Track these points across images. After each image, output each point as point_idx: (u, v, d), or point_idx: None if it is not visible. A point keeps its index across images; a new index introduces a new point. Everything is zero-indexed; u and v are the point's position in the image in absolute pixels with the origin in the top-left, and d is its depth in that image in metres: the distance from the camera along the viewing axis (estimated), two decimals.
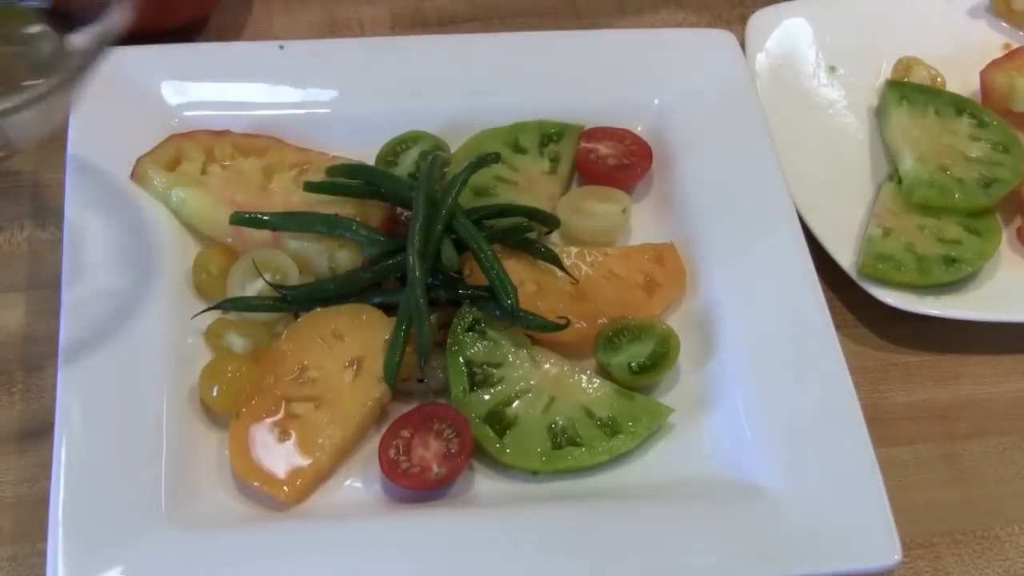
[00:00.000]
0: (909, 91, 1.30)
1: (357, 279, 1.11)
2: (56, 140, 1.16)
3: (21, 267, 1.18)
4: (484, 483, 1.06)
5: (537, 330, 1.10)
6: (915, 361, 1.19)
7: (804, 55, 1.34)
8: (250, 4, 1.39)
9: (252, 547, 1.00)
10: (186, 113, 1.21)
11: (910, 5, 1.40)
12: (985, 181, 1.23)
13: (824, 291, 1.18)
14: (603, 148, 1.23)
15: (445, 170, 1.17)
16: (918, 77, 1.32)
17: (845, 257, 1.19)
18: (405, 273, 1.08)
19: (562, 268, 1.13)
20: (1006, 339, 1.20)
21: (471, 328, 1.09)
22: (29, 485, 1.05)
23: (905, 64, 1.33)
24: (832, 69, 1.34)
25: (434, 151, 1.20)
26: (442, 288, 1.10)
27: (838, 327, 1.17)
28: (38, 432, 1.05)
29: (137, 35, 1.23)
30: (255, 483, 1.02)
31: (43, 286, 1.14)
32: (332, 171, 1.16)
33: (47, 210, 1.19)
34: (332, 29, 1.38)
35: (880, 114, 1.31)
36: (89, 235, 1.12)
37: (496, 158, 1.17)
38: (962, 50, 1.37)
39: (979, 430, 1.15)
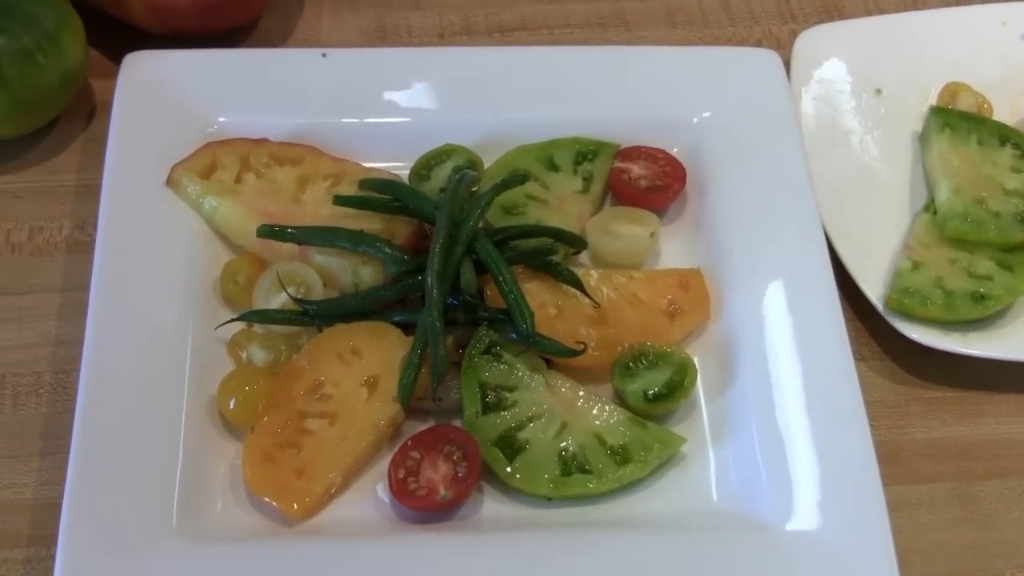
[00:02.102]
0: (953, 118, 1.28)
1: (379, 296, 1.12)
2: (102, 141, 1.19)
3: (58, 268, 1.20)
4: (493, 506, 1.07)
5: (553, 355, 1.10)
6: (938, 397, 1.18)
7: (850, 76, 1.33)
8: (300, 8, 1.40)
9: (259, 563, 1.02)
10: (226, 119, 1.23)
11: (963, 27, 1.37)
12: (1022, 215, 1.21)
13: (852, 321, 1.19)
14: (636, 169, 1.23)
15: (474, 188, 1.18)
16: (964, 103, 1.30)
17: (874, 288, 1.18)
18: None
19: (584, 291, 1.13)
20: None
21: (487, 351, 1.10)
22: (49, 488, 1.08)
23: (951, 90, 1.31)
24: (878, 91, 1.32)
25: (466, 167, 1.20)
26: (461, 309, 1.11)
27: (863, 358, 1.18)
28: (62, 435, 1.06)
29: (185, 38, 1.26)
30: (266, 497, 1.04)
31: (77, 288, 1.16)
32: (363, 185, 1.17)
33: (87, 211, 1.21)
34: (381, 35, 1.39)
35: (923, 141, 1.29)
36: (122, 240, 1.14)
37: (523, 180, 1.18)
38: (1014, 75, 1.34)
39: (998, 471, 1.14)
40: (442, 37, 1.39)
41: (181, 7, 1.27)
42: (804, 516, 1.04)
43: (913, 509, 1.11)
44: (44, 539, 1.05)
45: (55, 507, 1.01)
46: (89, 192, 1.22)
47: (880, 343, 1.20)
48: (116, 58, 1.25)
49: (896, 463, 1.13)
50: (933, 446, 1.15)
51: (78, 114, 1.30)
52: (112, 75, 1.24)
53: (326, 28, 1.39)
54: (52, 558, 0.99)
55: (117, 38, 1.30)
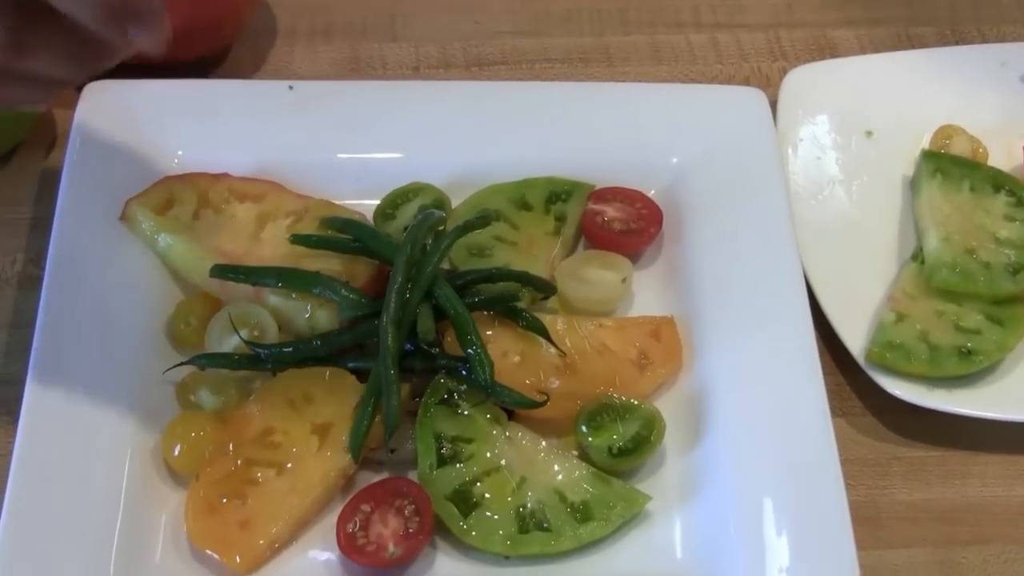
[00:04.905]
0: (945, 163, 1.22)
1: (333, 341, 1.07)
2: (59, 173, 1.15)
3: (8, 303, 1.16)
4: (446, 564, 1.02)
5: (513, 406, 1.05)
6: (921, 456, 1.12)
7: (840, 117, 1.27)
8: (272, 38, 1.35)
9: None
10: (187, 152, 1.19)
11: (960, 68, 1.32)
12: (1014, 267, 1.15)
13: (833, 375, 1.14)
14: (611, 211, 1.18)
15: (440, 229, 1.13)
16: (958, 147, 1.25)
17: (856, 341, 1.13)
18: None
19: (548, 339, 1.08)
20: (1022, 438, 1.12)
21: (444, 401, 1.05)
22: None
23: (945, 133, 1.26)
24: (869, 134, 1.27)
25: (433, 206, 1.16)
26: (417, 357, 1.06)
27: (844, 414, 1.13)
28: (3, 477, 1.01)
29: (151, 67, 1.22)
30: (207, 550, 1.00)
31: (27, 325, 1.10)
32: (325, 223, 1.13)
33: (42, 245, 1.16)
34: (354, 67, 1.34)
35: (914, 187, 1.24)
36: (71, 276, 1.10)
37: (487, 222, 1.13)
38: (1012, 119, 1.29)
39: (982, 536, 1.08)
40: (418, 70, 1.35)
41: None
42: None
43: (891, 575, 1.06)
44: None
45: None
46: (45, 226, 1.17)
47: (862, 398, 1.14)
48: (80, 87, 1.20)
49: (874, 526, 1.07)
50: (914, 508, 1.09)
51: (38, 144, 1.26)
52: (75, 105, 1.20)
53: (298, 59, 1.35)
54: None
55: None
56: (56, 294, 1.08)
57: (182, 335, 1.10)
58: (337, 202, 1.17)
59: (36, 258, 1.18)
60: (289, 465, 1.03)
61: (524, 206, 1.18)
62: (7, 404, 1.09)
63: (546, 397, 1.05)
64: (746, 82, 1.34)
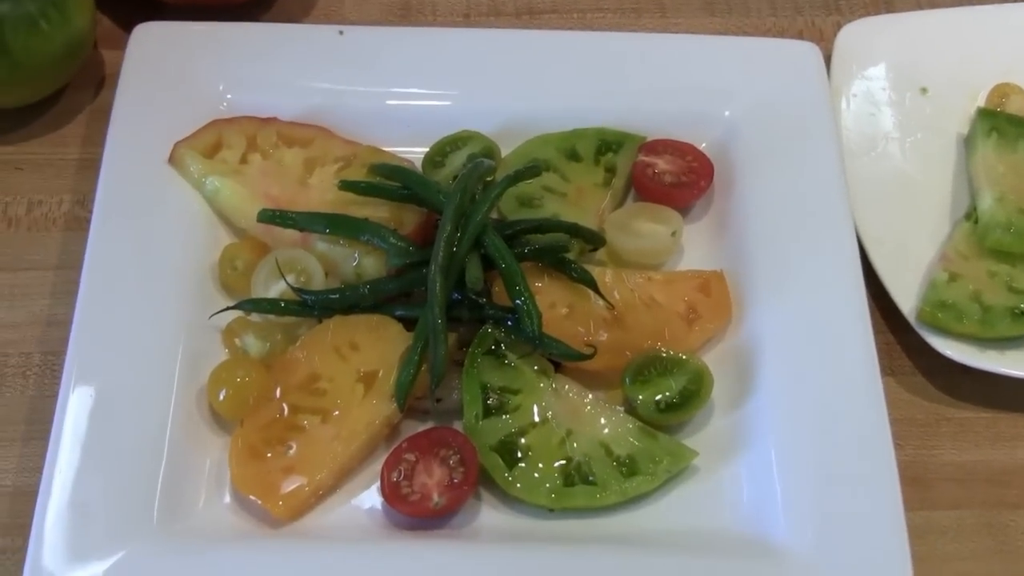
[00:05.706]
0: (1001, 122, 1.21)
1: (381, 289, 1.06)
2: (109, 114, 1.14)
3: (54, 245, 1.16)
4: (491, 515, 1.02)
5: (561, 358, 1.05)
6: (971, 417, 1.11)
7: (894, 73, 1.26)
8: None
9: (239, 566, 0.97)
10: (235, 95, 1.18)
11: (1018, 24, 1.30)
12: None
13: (883, 333, 1.14)
14: (661, 163, 1.17)
15: (489, 179, 1.12)
16: (1014, 106, 1.23)
17: (907, 299, 1.12)
18: None
19: (597, 292, 1.08)
20: None
21: (491, 351, 1.05)
22: (30, 475, 1.03)
23: (1002, 91, 1.24)
24: (923, 91, 1.25)
25: (482, 155, 1.15)
26: (465, 306, 1.06)
27: (893, 373, 1.12)
28: (48, 419, 1.01)
29: (202, 9, 1.21)
30: (251, 495, 1.00)
31: (72, 266, 1.10)
32: (373, 170, 1.12)
33: (89, 187, 1.16)
34: (404, 14, 1.33)
35: (968, 145, 1.22)
36: (119, 219, 1.10)
37: (537, 172, 1.12)
38: None
39: None
40: (468, 17, 1.33)
41: None
42: (819, 540, 0.98)
43: (938, 537, 1.05)
44: (21, 528, 0.99)
45: (35, 495, 0.97)
46: (92, 167, 1.17)
47: (912, 358, 1.13)
48: (130, 28, 1.20)
49: (922, 486, 1.07)
50: (963, 470, 1.09)
51: (86, 85, 1.25)
52: (124, 46, 1.19)
53: (348, 4, 1.34)
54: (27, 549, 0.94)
55: (133, 8, 1.25)
56: (103, 236, 1.08)
57: (228, 279, 1.10)
58: (385, 149, 1.16)
59: (83, 200, 1.18)
60: (335, 413, 1.02)
61: (574, 157, 1.17)
62: (52, 345, 1.10)
63: (593, 349, 1.04)
64: (799, 36, 1.33)
